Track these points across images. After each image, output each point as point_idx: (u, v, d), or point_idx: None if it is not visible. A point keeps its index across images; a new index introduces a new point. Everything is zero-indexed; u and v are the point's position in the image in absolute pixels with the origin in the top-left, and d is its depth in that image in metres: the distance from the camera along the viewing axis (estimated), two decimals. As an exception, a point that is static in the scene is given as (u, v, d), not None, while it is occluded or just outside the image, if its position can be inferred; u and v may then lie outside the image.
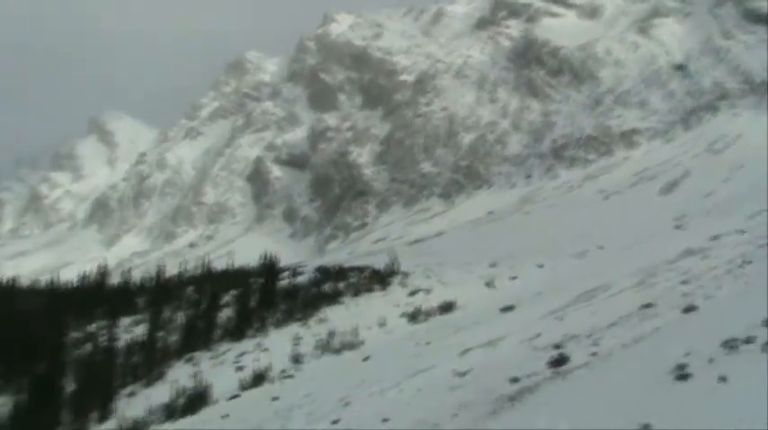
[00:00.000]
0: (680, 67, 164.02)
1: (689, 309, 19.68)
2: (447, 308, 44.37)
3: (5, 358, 40.20)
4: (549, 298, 35.96)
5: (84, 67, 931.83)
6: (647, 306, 22.67)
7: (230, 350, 41.15)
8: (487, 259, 55.08)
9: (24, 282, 67.88)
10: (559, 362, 18.62)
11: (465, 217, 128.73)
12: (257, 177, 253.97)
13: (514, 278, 49.78)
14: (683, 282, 25.96)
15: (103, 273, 58.14)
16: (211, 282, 56.46)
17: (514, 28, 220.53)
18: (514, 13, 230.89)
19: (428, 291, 48.90)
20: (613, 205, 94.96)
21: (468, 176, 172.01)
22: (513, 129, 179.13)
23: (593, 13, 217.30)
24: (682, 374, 12.56)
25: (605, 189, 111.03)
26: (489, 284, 48.94)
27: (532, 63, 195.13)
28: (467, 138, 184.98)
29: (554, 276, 46.34)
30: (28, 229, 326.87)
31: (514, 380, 18.23)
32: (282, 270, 61.69)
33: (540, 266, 51.42)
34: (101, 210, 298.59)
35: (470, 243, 78.57)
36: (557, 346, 20.90)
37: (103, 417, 34.53)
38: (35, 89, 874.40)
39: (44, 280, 66.51)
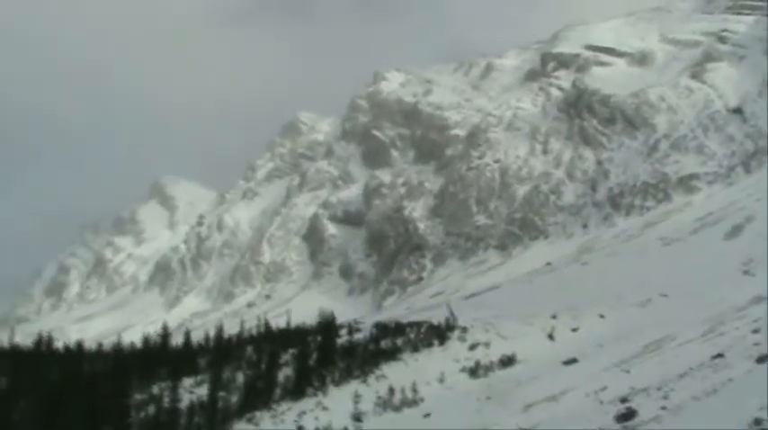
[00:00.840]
0: (736, 111, 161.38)
1: (762, 359, 18.92)
2: (507, 362, 43.64)
3: (71, 422, 40.82)
4: (613, 349, 35.07)
5: (144, 134, 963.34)
6: (718, 356, 21.89)
7: (290, 409, 41.05)
8: (547, 311, 54.11)
9: (90, 345, 69.18)
10: (627, 416, 18.04)
11: (522, 269, 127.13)
12: (313, 235, 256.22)
13: (576, 330, 48.76)
14: (754, 331, 25.04)
15: (165, 334, 59.00)
16: (270, 342, 56.73)
17: (564, 79, 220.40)
18: (563, 63, 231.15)
19: (487, 345, 48.22)
20: (675, 252, 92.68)
21: (524, 228, 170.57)
22: (568, 179, 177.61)
23: (643, 60, 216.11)
24: (761, 429, 12.03)
25: (666, 236, 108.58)
26: (550, 337, 48.03)
27: (584, 112, 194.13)
28: (521, 190, 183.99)
29: (617, 327, 45.22)
30: (93, 293, 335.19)
31: (582, 435, 17.71)
32: (340, 327, 61.69)
33: (602, 317, 50.31)
34: (162, 273, 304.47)
35: (529, 295, 77.36)
36: (624, 400, 20.27)
37: (168, 479, 34.67)
38: (98, 156, 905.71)
39: (108, 343, 67.75)
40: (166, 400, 41.35)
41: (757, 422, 12.10)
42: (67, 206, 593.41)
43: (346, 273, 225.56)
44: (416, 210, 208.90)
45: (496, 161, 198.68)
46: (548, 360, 39.72)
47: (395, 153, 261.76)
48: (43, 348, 57.94)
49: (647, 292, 55.18)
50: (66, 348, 61.76)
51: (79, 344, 63.94)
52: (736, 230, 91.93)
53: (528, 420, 22.66)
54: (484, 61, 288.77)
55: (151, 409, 41.31)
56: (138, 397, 46.22)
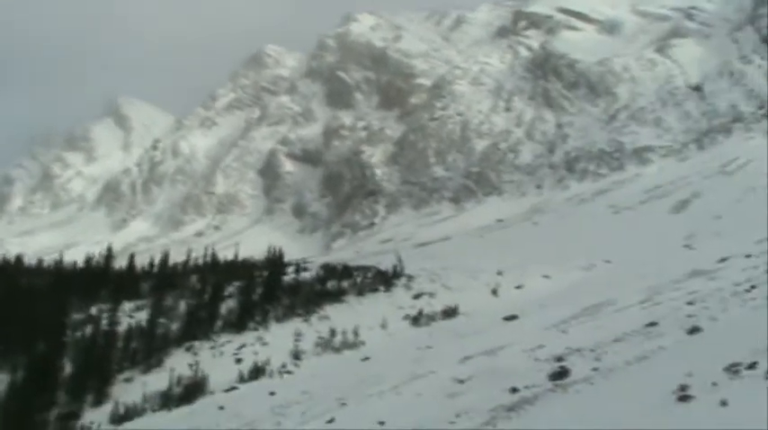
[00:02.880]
0: (696, 88, 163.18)
1: (693, 331, 19.55)
2: (450, 313, 44.32)
3: (5, 336, 40.30)
4: (554, 309, 35.85)
5: (103, 51, 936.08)
6: (652, 324, 22.54)
7: (230, 342, 41.20)
8: (494, 267, 54.94)
9: (30, 260, 68.11)
10: (560, 374, 18.54)
11: (474, 223, 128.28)
12: (269, 170, 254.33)
13: (520, 287, 49.67)
14: (689, 303, 25.80)
15: (109, 256, 58.30)
16: (216, 273, 56.62)
17: (534, 38, 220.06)
18: (535, 24, 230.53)
19: (432, 295, 48.86)
20: (623, 221, 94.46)
21: (479, 183, 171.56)
22: (527, 139, 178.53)
23: (612, 29, 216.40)
24: (683, 396, 12.46)
25: (616, 204, 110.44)
26: (494, 292, 48.84)
27: (549, 74, 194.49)
28: (480, 145, 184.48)
29: (559, 288, 46.18)
30: (37, 208, 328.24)
31: (514, 390, 18.14)
32: (288, 265, 61.83)
33: (547, 277, 51.30)
34: (111, 193, 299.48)
35: (477, 250, 78.29)
36: (558, 359, 20.81)
37: (99, 401, 34.58)
38: (53, 68, 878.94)
39: (50, 259, 66.76)
40: (105, 322, 41.08)
41: (682, 388, 12.56)
42: (18, 116, 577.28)
43: (299, 211, 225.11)
44: (375, 156, 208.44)
45: (459, 114, 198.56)
46: (489, 315, 40.46)
47: (359, 96, 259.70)
48: (-19, 259, 56.83)
49: (592, 257, 56.36)
50: (5, 261, 60.66)
51: (18, 258, 62.93)
52: (682, 205, 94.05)
53: (464, 372, 23.13)
54: (456, 13, 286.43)
55: (88, 330, 40.97)
56: (76, 316, 45.78)
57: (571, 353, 21.33)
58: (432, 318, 43.99)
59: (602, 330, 24.50)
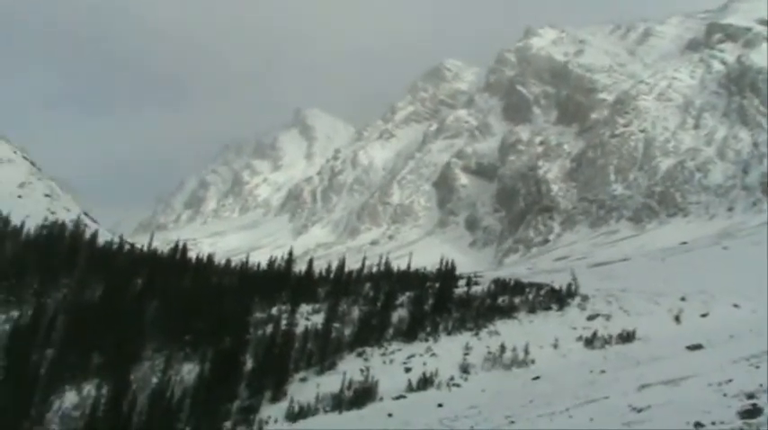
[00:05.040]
0: None
1: None
2: (627, 337, 42.34)
3: (196, 328, 43.30)
4: (745, 342, 33.20)
5: (291, 65, 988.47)
6: None
7: (401, 350, 41.66)
8: (677, 292, 51.79)
9: (219, 259, 72.77)
10: (752, 413, 17.05)
11: (655, 244, 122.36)
12: (444, 183, 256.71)
13: (705, 315, 46.50)
14: None
15: (290, 260, 61.06)
16: (389, 281, 57.61)
17: (729, 52, 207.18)
18: (731, 36, 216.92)
19: (608, 318, 46.91)
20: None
21: (663, 203, 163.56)
22: (718, 158, 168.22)
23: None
24: None
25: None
26: (677, 319, 46.10)
27: (746, 90, 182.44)
28: (664, 163, 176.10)
29: (752, 319, 42.70)
30: (228, 211, 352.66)
31: (698, 425, 16.92)
32: (459, 277, 61.77)
33: (736, 307, 47.65)
34: (293, 200, 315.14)
35: (659, 273, 74.19)
36: (750, 396, 19.18)
37: (276, 398, 36.16)
38: (245, 82, 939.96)
39: (237, 260, 70.98)
40: (284, 323, 42.91)
41: None
42: (214, 125, 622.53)
43: (472, 224, 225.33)
44: (551, 172, 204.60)
45: (642, 131, 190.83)
46: (671, 342, 38.15)
47: (537, 110, 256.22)
48: (178, 256, 61.29)
49: (791, 288, 51.66)
50: (198, 259, 65.11)
51: (210, 258, 67.38)
52: None
53: (642, 400, 21.90)
54: (643, 26, 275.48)
55: (269, 329, 43.01)
56: (258, 315, 48.32)
57: (764, 391, 19.59)
58: (607, 341, 42.23)
59: (803, 368, 22.35)
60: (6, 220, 65.83)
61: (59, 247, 59.11)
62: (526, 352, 39.81)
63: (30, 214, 70.45)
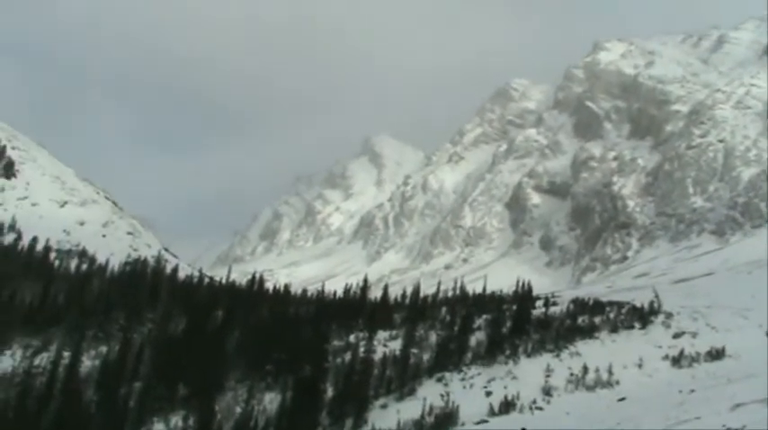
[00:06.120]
0: None
1: None
2: (716, 355, 40.91)
3: (276, 358, 43.88)
4: None
5: (358, 93, 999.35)
6: None
7: (480, 374, 41.23)
8: (766, 306, 49.79)
9: (296, 289, 73.76)
10: None
11: (741, 258, 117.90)
12: (516, 204, 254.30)
13: (800, 330, 44.54)
14: None
15: (365, 287, 61.36)
16: (465, 305, 57.21)
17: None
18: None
19: (694, 335, 45.46)
20: None
21: (746, 214, 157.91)
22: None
23: None
24: None
25: None
26: (768, 334, 44.31)
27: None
28: (746, 173, 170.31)
29: None
30: (302, 241, 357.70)
31: (799, 445, 16.12)
32: (536, 298, 60.88)
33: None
34: (366, 228, 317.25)
35: (746, 287, 71.44)
36: None
37: (357, 425, 36.23)
38: (312, 113, 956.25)
39: (312, 289, 71.80)
40: (362, 350, 43.04)
41: None
42: (285, 157, 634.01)
43: (547, 244, 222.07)
44: (626, 187, 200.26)
45: (721, 141, 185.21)
46: (763, 359, 36.59)
47: (608, 126, 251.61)
48: (255, 287, 62.39)
49: None
50: (275, 290, 66.12)
51: (287, 288, 68.39)
52: None
53: (736, 420, 21.04)
54: (716, 33, 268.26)
55: (347, 357, 43.21)
56: (335, 343, 48.64)
57: None
58: (694, 359, 40.91)
59: None
60: (93, 259, 68.44)
61: (143, 283, 61.09)
62: (610, 372, 38.89)
63: (114, 252, 73.10)
